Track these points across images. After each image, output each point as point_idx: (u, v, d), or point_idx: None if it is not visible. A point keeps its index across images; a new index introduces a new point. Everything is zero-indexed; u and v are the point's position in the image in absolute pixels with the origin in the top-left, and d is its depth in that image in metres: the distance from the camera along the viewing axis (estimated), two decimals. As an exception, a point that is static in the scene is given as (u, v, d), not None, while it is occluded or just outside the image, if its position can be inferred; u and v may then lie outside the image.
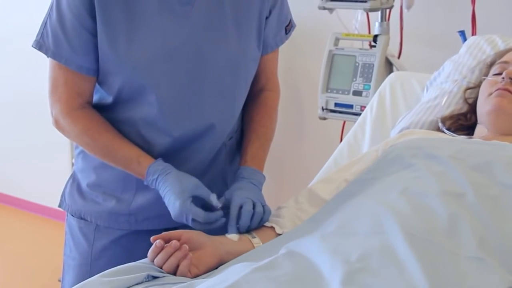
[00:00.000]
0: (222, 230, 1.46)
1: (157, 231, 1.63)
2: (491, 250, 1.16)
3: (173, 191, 1.45)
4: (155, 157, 1.54)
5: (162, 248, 1.31)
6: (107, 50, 1.48)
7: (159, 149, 1.56)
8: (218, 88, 1.55)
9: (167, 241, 1.33)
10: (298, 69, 3.04)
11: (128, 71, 1.49)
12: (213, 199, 1.47)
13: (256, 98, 1.70)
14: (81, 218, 1.65)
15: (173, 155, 1.56)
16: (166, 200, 1.47)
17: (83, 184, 1.66)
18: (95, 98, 1.59)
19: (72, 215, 1.68)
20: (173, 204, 1.44)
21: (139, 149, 1.53)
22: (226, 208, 1.47)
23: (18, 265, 3.42)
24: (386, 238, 1.18)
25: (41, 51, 1.52)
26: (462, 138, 1.60)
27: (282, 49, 2.98)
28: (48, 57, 1.52)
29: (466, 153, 1.40)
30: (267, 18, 1.61)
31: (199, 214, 1.42)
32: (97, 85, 1.56)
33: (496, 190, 1.28)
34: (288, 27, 1.70)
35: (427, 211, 1.25)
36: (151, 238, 1.35)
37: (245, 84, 1.62)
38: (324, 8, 2.40)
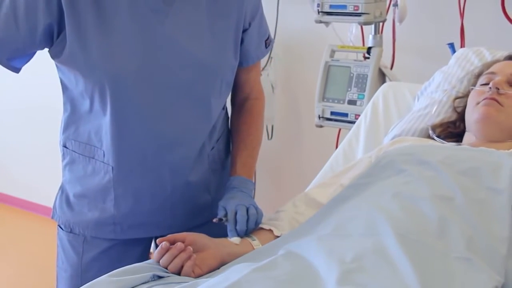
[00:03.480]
0: (224, 234, 1.47)
1: (143, 241, 1.64)
2: (479, 250, 1.16)
3: None
4: (132, 161, 1.52)
5: (167, 250, 1.32)
6: (79, 56, 1.44)
7: (136, 154, 1.53)
8: (193, 96, 1.52)
9: (172, 243, 1.33)
10: (296, 79, 3.04)
11: (100, 76, 1.46)
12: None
13: (241, 107, 1.70)
14: (70, 231, 1.63)
15: (150, 161, 1.54)
16: None
17: (71, 195, 1.63)
18: (69, 112, 1.57)
19: (62, 228, 1.66)
20: None
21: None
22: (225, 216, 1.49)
23: (29, 266, 3.42)
24: (379, 240, 1.19)
25: None
26: (451, 145, 1.61)
27: (282, 59, 2.99)
28: None
29: (455, 159, 1.40)
30: (246, 30, 1.60)
31: None
32: (69, 96, 1.55)
33: (483, 194, 1.29)
34: (268, 41, 1.70)
35: (418, 213, 1.25)
36: (157, 240, 1.35)
37: (220, 92, 1.58)
38: (321, 22, 2.41)
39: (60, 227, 1.67)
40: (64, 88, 1.57)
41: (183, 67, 1.50)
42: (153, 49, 1.47)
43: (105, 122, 1.51)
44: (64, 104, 1.59)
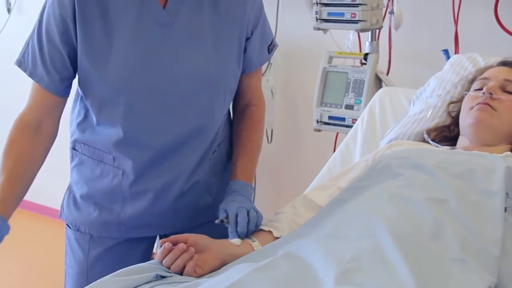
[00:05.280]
0: (224, 235, 1.47)
1: (147, 239, 1.64)
2: (472, 252, 1.16)
3: None
4: (139, 165, 1.54)
5: (170, 250, 1.32)
6: (89, 67, 1.47)
7: (141, 162, 1.54)
8: (197, 104, 1.53)
9: (174, 244, 1.33)
10: (295, 85, 3.05)
11: (108, 87, 1.48)
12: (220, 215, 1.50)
13: (242, 113, 1.69)
14: (77, 230, 1.64)
15: (154, 168, 1.55)
16: None
17: (77, 196, 1.64)
18: (82, 118, 1.59)
19: (69, 226, 1.67)
20: None
21: (9, 196, 1.46)
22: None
23: (36, 266, 3.42)
24: (376, 241, 1.19)
25: (20, 68, 1.53)
26: (446, 148, 1.61)
27: (281, 65, 2.99)
28: (27, 74, 1.53)
29: (449, 163, 1.41)
30: (249, 38, 1.60)
31: None
32: (84, 104, 1.56)
33: (477, 197, 1.29)
34: (271, 47, 1.68)
35: (413, 216, 1.25)
36: (160, 241, 1.36)
37: (223, 99, 1.59)
38: (319, 29, 2.41)
39: (67, 225, 1.68)
40: (81, 96, 1.57)
41: (187, 78, 1.50)
42: (159, 61, 1.48)
43: (115, 129, 1.52)
44: (79, 110, 1.60)
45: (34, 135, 1.53)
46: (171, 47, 1.48)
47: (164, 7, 1.48)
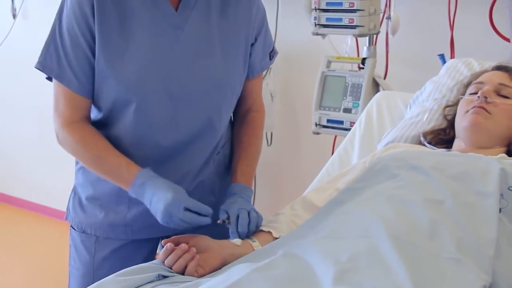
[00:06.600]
0: (225, 235, 1.47)
1: (152, 240, 1.64)
2: (467, 251, 1.16)
3: (165, 190, 1.41)
4: (147, 167, 1.53)
5: (172, 250, 1.33)
6: (104, 67, 1.47)
7: (147, 161, 1.54)
8: (206, 106, 1.55)
9: (176, 244, 1.34)
10: (294, 88, 3.05)
11: (121, 87, 1.48)
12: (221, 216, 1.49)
13: (243, 119, 1.70)
14: (83, 232, 1.65)
15: (160, 167, 1.54)
16: (155, 199, 1.42)
17: (83, 198, 1.65)
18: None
19: (75, 228, 1.67)
20: (165, 200, 1.39)
21: (129, 158, 1.50)
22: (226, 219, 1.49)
23: (40, 266, 3.42)
24: (373, 241, 1.19)
25: (44, 72, 1.51)
26: (442, 151, 1.61)
27: (281, 70, 2.99)
28: (52, 78, 1.51)
29: (445, 164, 1.41)
30: (253, 44, 1.61)
31: (187, 215, 1.39)
32: (99, 103, 1.55)
33: (472, 198, 1.29)
34: (272, 53, 1.70)
35: (410, 216, 1.25)
36: (162, 242, 1.36)
37: (230, 102, 1.61)
38: (317, 34, 2.42)
39: (72, 227, 1.68)
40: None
41: (197, 81, 1.52)
42: (170, 63, 1.49)
43: (123, 131, 1.53)
44: None
45: (86, 124, 1.54)
46: (182, 50, 1.50)
47: (176, 10, 1.50)
